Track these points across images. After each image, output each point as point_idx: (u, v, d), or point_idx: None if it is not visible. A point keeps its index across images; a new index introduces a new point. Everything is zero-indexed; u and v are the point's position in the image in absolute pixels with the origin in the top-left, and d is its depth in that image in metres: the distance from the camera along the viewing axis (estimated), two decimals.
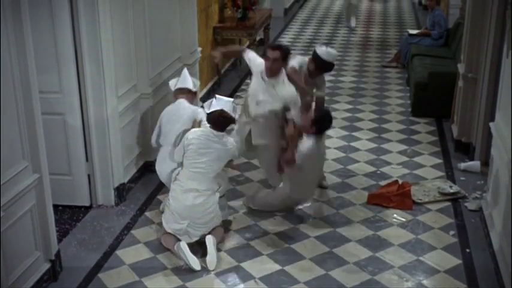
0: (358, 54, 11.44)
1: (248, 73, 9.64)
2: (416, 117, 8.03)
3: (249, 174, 6.38)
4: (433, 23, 9.87)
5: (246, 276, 4.75)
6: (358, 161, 6.76)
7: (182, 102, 5.61)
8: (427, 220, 5.55)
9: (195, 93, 5.82)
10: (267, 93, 5.48)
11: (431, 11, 10.08)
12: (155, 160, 5.73)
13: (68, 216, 5.54)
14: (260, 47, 10.65)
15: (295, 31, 13.37)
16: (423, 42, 9.84)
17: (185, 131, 5.21)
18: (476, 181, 6.24)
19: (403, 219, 5.57)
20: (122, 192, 5.78)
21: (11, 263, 4.12)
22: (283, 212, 5.60)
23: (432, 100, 7.95)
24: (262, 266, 4.88)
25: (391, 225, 5.48)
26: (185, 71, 5.83)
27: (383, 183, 6.21)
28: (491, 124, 5.51)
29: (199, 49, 7.72)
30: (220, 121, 4.95)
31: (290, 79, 5.55)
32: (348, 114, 8.19)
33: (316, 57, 5.77)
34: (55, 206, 4.87)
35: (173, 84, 5.79)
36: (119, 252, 5.05)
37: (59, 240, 4.95)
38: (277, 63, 5.41)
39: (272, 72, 5.44)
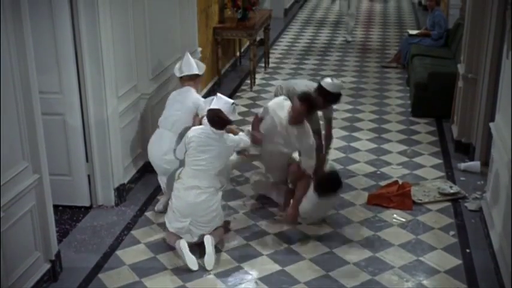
0: (358, 54, 11.45)
1: (248, 73, 9.69)
2: (416, 118, 8.03)
3: (249, 174, 6.37)
4: (433, 23, 9.87)
5: (246, 277, 4.75)
6: (358, 162, 6.76)
7: (189, 90, 5.62)
8: (427, 220, 5.55)
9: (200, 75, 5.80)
10: (282, 139, 5.40)
11: (431, 12, 10.08)
12: None
13: (68, 216, 5.54)
14: (260, 47, 10.69)
15: (295, 31, 13.37)
16: (423, 42, 9.84)
17: (187, 129, 5.23)
18: (476, 181, 6.24)
19: (403, 220, 5.57)
20: (122, 192, 5.78)
21: (11, 264, 4.12)
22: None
23: (432, 100, 7.95)
24: (262, 266, 4.88)
25: (391, 225, 5.48)
26: (187, 56, 5.77)
27: (383, 183, 6.20)
28: (491, 124, 5.51)
29: (200, 49, 7.72)
30: (215, 121, 4.96)
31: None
32: (348, 115, 8.19)
33: (323, 91, 5.69)
34: (55, 207, 4.87)
35: (177, 69, 5.76)
36: (119, 252, 5.05)
37: (59, 241, 4.95)
38: (302, 116, 5.32)
39: (295, 121, 5.34)
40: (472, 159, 6.65)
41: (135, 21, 5.94)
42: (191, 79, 5.68)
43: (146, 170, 6.25)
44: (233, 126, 5.43)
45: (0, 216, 3.86)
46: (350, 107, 8.51)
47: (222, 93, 5.35)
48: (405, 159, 6.84)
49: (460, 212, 5.69)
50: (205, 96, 8.17)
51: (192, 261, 4.79)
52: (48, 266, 4.57)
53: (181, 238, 4.92)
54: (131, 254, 5.01)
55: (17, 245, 4.19)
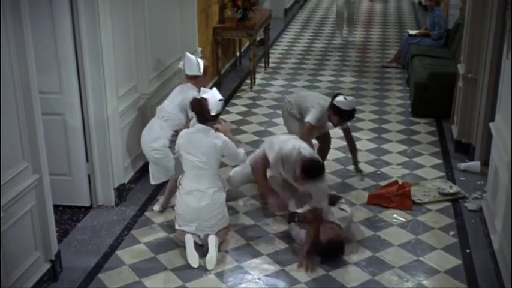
0: (358, 54, 11.45)
1: (248, 73, 9.69)
2: (416, 118, 8.03)
3: None
4: (433, 23, 9.87)
5: (246, 276, 4.75)
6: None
7: (190, 88, 5.63)
8: (427, 220, 5.55)
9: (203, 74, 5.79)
10: (293, 185, 5.24)
11: (431, 12, 10.09)
12: None
13: (68, 216, 5.54)
14: (260, 47, 10.69)
15: (295, 31, 13.37)
16: (423, 42, 9.85)
17: (178, 132, 5.25)
18: (476, 181, 6.24)
19: (403, 220, 5.57)
20: (122, 192, 5.78)
21: (11, 264, 4.12)
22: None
23: (432, 100, 7.95)
24: (262, 266, 4.88)
25: (391, 225, 5.48)
26: (188, 56, 5.75)
27: (383, 183, 6.20)
28: (491, 124, 5.51)
29: (200, 49, 7.72)
30: (196, 107, 4.98)
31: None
32: None
33: (336, 110, 5.74)
34: (55, 207, 4.86)
35: (182, 65, 5.78)
36: (119, 252, 5.04)
37: (59, 241, 4.95)
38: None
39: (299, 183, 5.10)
40: (472, 159, 6.65)
41: (135, 21, 5.94)
42: (192, 78, 5.69)
43: (146, 170, 6.23)
44: (227, 129, 5.39)
45: (0, 216, 3.87)
46: None
47: (222, 94, 5.34)
48: (405, 159, 6.84)
49: (460, 212, 5.69)
50: None
51: (193, 259, 4.80)
52: (48, 266, 4.57)
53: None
54: (131, 254, 5.01)
55: (17, 245, 4.19)
